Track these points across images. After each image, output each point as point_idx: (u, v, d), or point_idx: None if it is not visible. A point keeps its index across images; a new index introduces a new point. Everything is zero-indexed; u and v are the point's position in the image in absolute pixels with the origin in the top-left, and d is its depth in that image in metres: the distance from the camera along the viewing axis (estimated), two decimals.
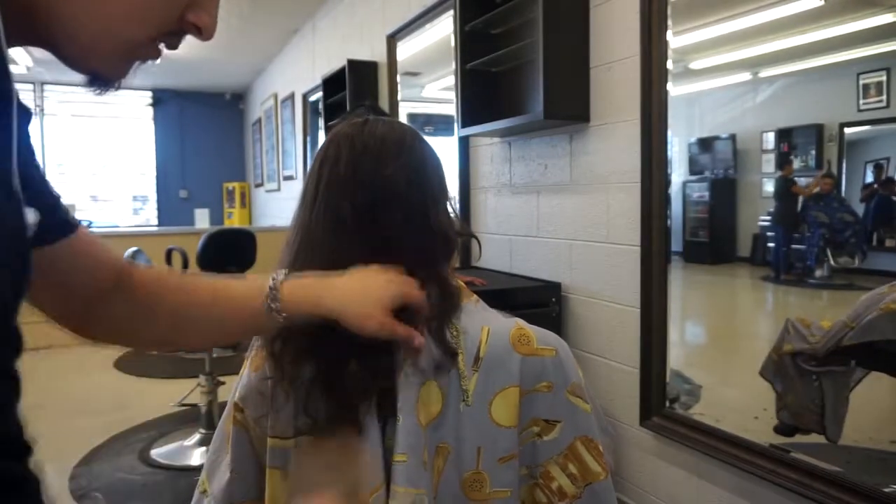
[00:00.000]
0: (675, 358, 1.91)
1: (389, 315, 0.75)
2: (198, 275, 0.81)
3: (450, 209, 0.88)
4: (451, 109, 2.87)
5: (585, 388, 0.90)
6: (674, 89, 1.82)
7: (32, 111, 0.44)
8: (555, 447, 0.84)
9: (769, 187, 1.69)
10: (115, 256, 0.73)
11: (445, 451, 0.81)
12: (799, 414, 1.55)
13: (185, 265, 4.69)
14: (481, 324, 0.85)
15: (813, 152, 1.55)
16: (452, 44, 2.71)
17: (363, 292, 0.75)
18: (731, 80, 1.78)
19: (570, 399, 0.85)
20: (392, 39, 3.62)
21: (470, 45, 2.57)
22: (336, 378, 0.78)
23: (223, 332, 0.82)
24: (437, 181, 0.88)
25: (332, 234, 0.81)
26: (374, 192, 0.81)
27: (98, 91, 0.52)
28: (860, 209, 1.48)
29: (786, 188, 1.65)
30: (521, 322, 0.88)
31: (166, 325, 0.75)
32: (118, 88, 0.53)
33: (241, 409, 0.88)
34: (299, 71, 5.85)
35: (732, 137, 1.77)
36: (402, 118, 3.64)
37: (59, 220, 0.62)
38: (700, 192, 1.90)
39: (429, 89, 3.75)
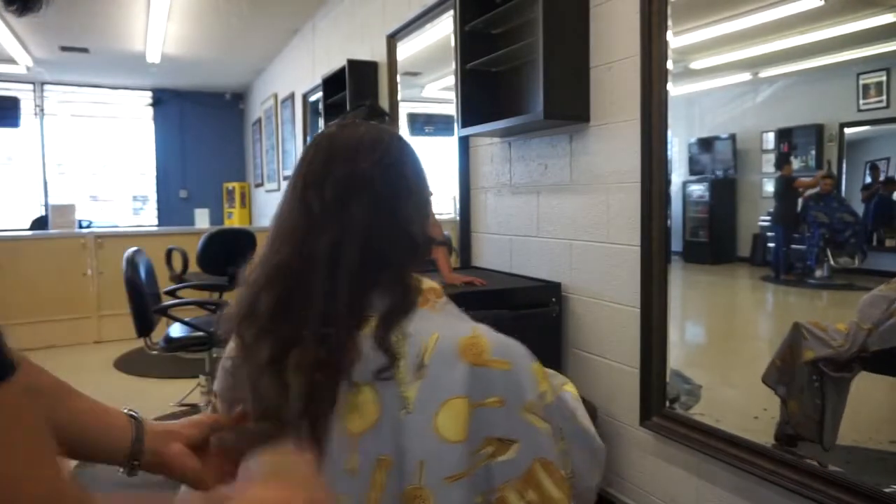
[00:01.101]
0: (675, 358, 1.91)
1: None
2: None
3: (427, 212, 0.89)
4: (451, 109, 2.87)
5: (559, 404, 0.87)
6: (674, 89, 1.82)
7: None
8: (512, 469, 0.79)
9: (769, 187, 1.69)
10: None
11: (386, 464, 0.78)
12: (801, 423, 1.53)
13: (185, 265, 4.70)
14: (432, 329, 0.82)
15: (813, 152, 1.55)
16: (452, 44, 2.71)
17: None
18: (731, 80, 1.78)
19: (525, 417, 0.80)
20: (392, 39, 3.61)
21: (470, 45, 2.57)
22: (280, 366, 0.79)
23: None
24: (414, 181, 0.88)
25: (301, 222, 0.83)
26: (345, 183, 0.83)
27: (18, 12, 0.49)
28: (860, 209, 1.48)
29: (786, 188, 1.65)
30: (480, 330, 0.84)
31: None
32: (39, 10, 0.50)
33: (217, 396, 0.91)
34: (299, 71, 5.85)
35: (732, 137, 1.77)
36: (402, 118, 3.64)
37: None
38: (700, 192, 1.90)
39: (429, 89, 3.75)
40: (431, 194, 0.93)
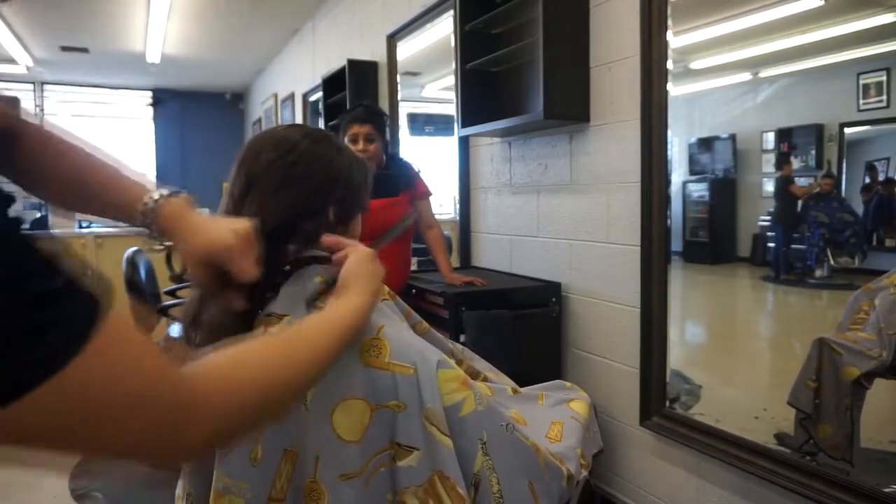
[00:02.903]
0: (675, 358, 1.91)
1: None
2: (87, 156, 0.92)
3: (329, 208, 0.90)
4: (451, 109, 2.87)
5: (489, 416, 0.85)
6: (674, 89, 1.82)
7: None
8: (412, 477, 0.80)
9: (769, 187, 1.70)
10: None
11: (293, 456, 0.79)
12: (835, 445, 1.45)
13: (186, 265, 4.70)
14: None
15: (813, 152, 1.55)
16: (452, 44, 2.71)
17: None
18: (731, 80, 1.78)
19: (426, 427, 0.80)
20: (392, 39, 3.61)
21: (470, 45, 2.57)
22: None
23: (103, 215, 0.93)
24: (320, 179, 0.89)
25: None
26: (248, 179, 0.88)
27: None
28: (860, 209, 1.48)
29: (785, 188, 1.65)
30: (387, 331, 0.83)
31: (53, 191, 0.87)
32: None
33: None
34: (299, 71, 5.85)
35: (732, 137, 1.77)
36: (402, 118, 3.64)
37: None
38: (700, 192, 1.90)
39: (429, 89, 3.75)
40: (359, 190, 0.94)
